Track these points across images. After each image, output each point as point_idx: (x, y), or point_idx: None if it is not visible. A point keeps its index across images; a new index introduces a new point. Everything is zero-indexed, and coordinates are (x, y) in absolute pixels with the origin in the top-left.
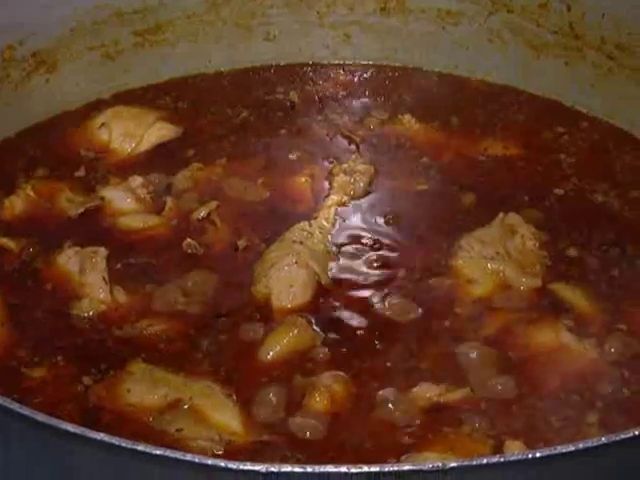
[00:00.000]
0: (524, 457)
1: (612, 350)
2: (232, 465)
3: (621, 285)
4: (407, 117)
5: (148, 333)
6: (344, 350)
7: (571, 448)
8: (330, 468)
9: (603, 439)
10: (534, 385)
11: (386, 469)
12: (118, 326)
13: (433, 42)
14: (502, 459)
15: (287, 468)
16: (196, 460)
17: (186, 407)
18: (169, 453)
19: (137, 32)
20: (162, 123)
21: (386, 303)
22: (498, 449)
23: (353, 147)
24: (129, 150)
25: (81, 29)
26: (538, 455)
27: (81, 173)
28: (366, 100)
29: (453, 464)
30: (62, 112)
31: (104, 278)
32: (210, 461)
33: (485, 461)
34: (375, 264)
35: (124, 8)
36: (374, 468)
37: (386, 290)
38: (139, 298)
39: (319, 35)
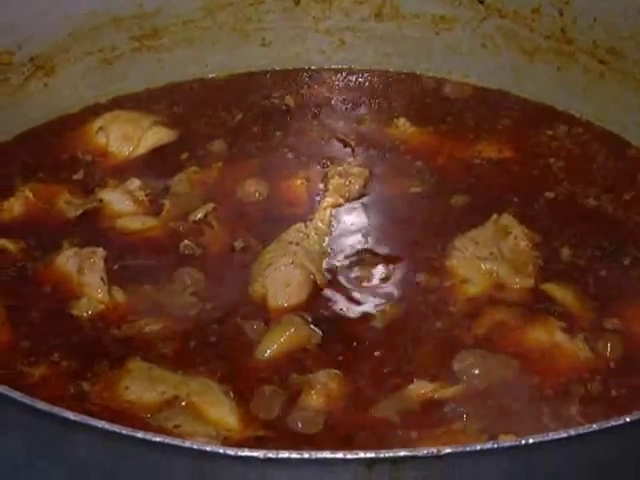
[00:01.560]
0: (517, 444)
1: (604, 349)
2: (230, 451)
3: (612, 285)
4: (402, 121)
5: (146, 332)
6: (340, 348)
7: (563, 435)
8: (327, 454)
9: (595, 426)
10: (527, 383)
11: (382, 455)
12: (116, 325)
13: (427, 47)
14: (496, 445)
15: (285, 454)
16: (195, 447)
17: (184, 404)
18: (169, 440)
19: (134, 37)
20: (159, 127)
21: (381, 302)
22: None
23: (348, 150)
24: (127, 153)
25: (79, 34)
26: (531, 441)
27: (79, 176)
28: (361, 104)
29: (448, 450)
30: (60, 116)
31: (102, 278)
32: (209, 448)
33: (479, 447)
34: (370, 264)
35: (121, 13)
36: (370, 454)
37: (380, 289)
38: (137, 298)
39: (314, 40)
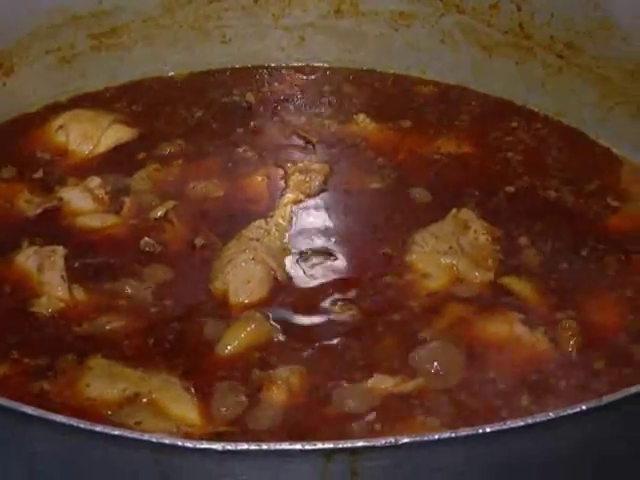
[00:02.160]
0: (475, 432)
1: (563, 341)
2: (189, 444)
3: (571, 277)
4: (362, 117)
5: (107, 330)
6: (301, 344)
7: (520, 423)
8: (285, 445)
9: (551, 414)
10: (487, 376)
11: (340, 446)
12: (77, 323)
13: (386, 43)
14: (453, 435)
15: (243, 446)
16: (154, 440)
17: (145, 401)
18: (127, 433)
19: (93, 35)
20: (119, 125)
21: (342, 297)
22: None
23: (308, 147)
24: (87, 152)
25: (38, 32)
26: (488, 430)
27: (39, 175)
28: (321, 101)
29: (406, 440)
30: (20, 115)
31: (63, 276)
32: (167, 440)
33: (437, 437)
34: (331, 260)
35: (80, 12)
36: (328, 445)
37: (341, 285)
38: (98, 296)
39: (274, 37)
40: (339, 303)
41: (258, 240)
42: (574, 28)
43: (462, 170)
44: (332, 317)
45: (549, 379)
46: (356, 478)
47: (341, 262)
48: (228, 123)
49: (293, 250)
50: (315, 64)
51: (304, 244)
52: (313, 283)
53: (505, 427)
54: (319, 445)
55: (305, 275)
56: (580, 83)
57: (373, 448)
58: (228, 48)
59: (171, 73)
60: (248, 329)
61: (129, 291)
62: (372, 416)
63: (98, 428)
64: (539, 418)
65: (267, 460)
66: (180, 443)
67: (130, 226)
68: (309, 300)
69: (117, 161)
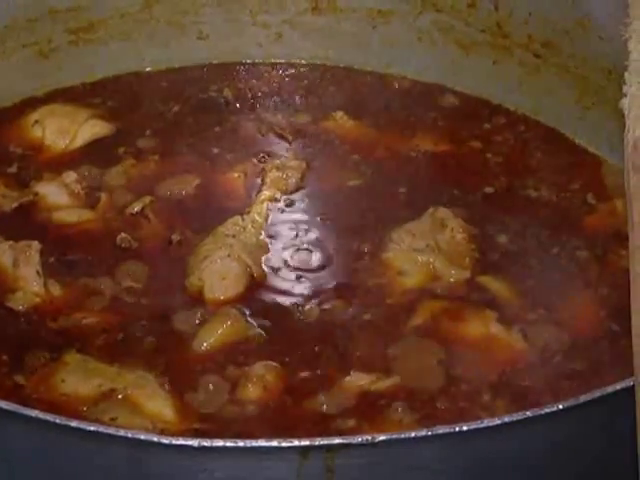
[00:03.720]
0: (452, 430)
1: (539, 340)
2: (165, 440)
3: (549, 277)
4: (339, 114)
5: (82, 325)
6: (277, 341)
7: (497, 422)
8: (262, 442)
9: (528, 413)
10: (463, 374)
11: (316, 443)
12: (52, 318)
13: (364, 41)
14: (430, 433)
15: (219, 443)
16: (129, 435)
17: (120, 397)
18: (102, 429)
19: (70, 30)
20: (95, 120)
21: (318, 295)
22: None
23: (285, 144)
24: (63, 147)
25: (14, 26)
26: (465, 429)
27: (14, 169)
28: (298, 98)
29: (382, 437)
30: None
31: (38, 271)
32: (143, 436)
33: (413, 435)
34: (307, 257)
35: (58, 6)
36: (304, 442)
37: (318, 282)
38: (73, 291)
39: (251, 34)
40: (315, 300)
41: (234, 236)
42: (551, 27)
43: (439, 168)
44: (308, 314)
45: (525, 378)
46: (331, 475)
47: (317, 259)
48: (205, 119)
49: (269, 247)
50: (293, 61)
51: (280, 241)
52: (289, 280)
53: (482, 425)
54: (295, 442)
55: (281, 272)
56: (557, 82)
57: (349, 445)
58: (205, 44)
59: (148, 69)
60: (224, 325)
61: (105, 287)
62: (348, 414)
63: (73, 423)
64: (516, 417)
65: (243, 457)
66: (156, 439)
67: (106, 221)
68: (285, 297)
69: (93, 156)
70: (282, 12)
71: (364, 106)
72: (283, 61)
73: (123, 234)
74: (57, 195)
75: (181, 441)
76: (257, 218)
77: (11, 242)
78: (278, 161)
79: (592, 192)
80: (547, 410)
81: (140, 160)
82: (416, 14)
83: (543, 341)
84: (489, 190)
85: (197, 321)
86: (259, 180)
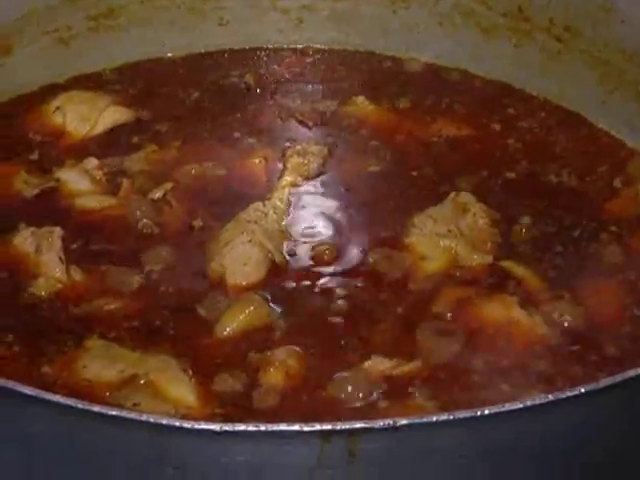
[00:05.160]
0: (473, 414)
1: (561, 324)
2: (187, 424)
3: (570, 261)
4: (360, 99)
5: (104, 311)
6: (298, 326)
7: (519, 405)
8: (283, 426)
9: (550, 397)
10: (485, 358)
11: (338, 427)
12: (74, 304)
13: (384, 26)
14: (451, 417)
15: (241, 427)
16: (151, 420)
17: (142, 382)
18: (125, 414)
19: (91, 16)
20: (116, 107)
21: (339, 280)
22: None
23: (306, 129)
24: (84, 133)
25: (34, 13)
26: (487, 412)
27: (36, 156)
28: (319, 83)
29: (404, 421)
30: (17, 96)
31: (60, 257)
32: (165, 421)
33: (435, 419)
34: (328, 242)
35: None
36: (326, 426)
37: (339, 267)
38: (95, 277)
39: (272, 20)
40: (337, 285)
41: (256, 222)
42: (573, 11)
43: (461, 153)
44: (330, 300)
45: (547, 362)
46: (353, 459)
47: (339, 245)
48: (226, 105)
49: (290, 232)
50: (313, 46)
51: (302, 227)
52: (310, 265)
53: (503, 409)
54: (317, 426)
55: (302, 257)
56: (579, 66)
57: (371, 430)
58: (226, 30)
59: (169, 55)
60: (247, 311)
61: (126, 273)
62: (370, 398)
63: (95, 408)
64: (538, 400)
65: (264, 441)
66: (178, 424)
67: (127, 208)
68: (306, 282)
69: (114, 142)
70: None
71: (385, 91)
72: (303, 46)
73: (145, 220)
74: (78, 181)
75: (203, 425)
76: (278, 204)
77: (33, 228)
78: (299, 146)
79: (616, 175)
80: (568, 394)
81: (161, 146)
82: None
83: (565, 326)
84: (511, 175)
85: (219, 307)
86: (280, 166)
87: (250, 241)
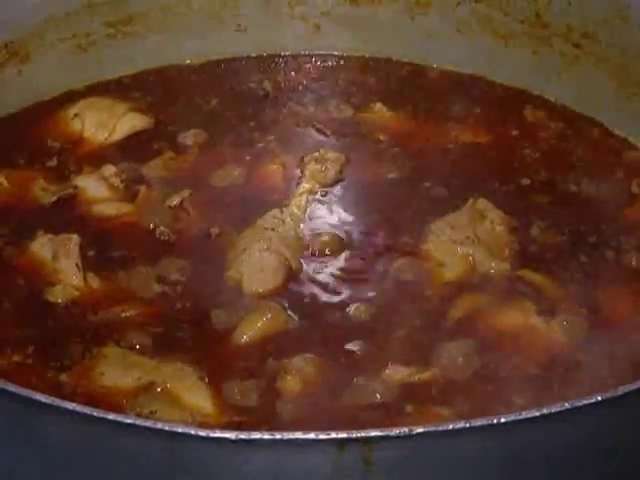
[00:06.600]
0: (489, 423)
1: (579, 331)
2: (202, 433)
3: (589, 270)
4: (378, 105)
5: (122, 318)
6: (316, 333)
7: (535, 413)
8: (299, 435)
9: (566, 404)
10: (502, 365)
11: (354, 435)
12: (92, 311)
13: (402, 32)
14: (468, 425)
15: (257, 435)
16: (167, 428)
17: (159, 390)
18: (140, 422)
19: (109, 23)
20: (134, 113)
21: (357, 287)
22: None
23: (324, 136)
24: (102, 140)
25: (53, 20)
26: (503, 420)
27: (54, 163)
28: (337, 89)
29: (420, 429)
30: (35, 103)
31: (77, 264)
32: (181, 429)
33: (451, 427)
34: (346, 249)
35: None
36: (342, 434)
37: (357, 275)
38: (113, 284)
39: (290, 26)
40: (353, 292)
41: (273, 229)
42: (590, 17)
43: (478, 160)
44: (347, 306)
45: (564, 370)
46: (370, 468)
47: (357, 251)
48: (243, 112)
49: (308, 240)
50: (331, 52)
51: (319, 234)
52: (327, 273)
53: (520, 417)
54: (332, 435)
55: (319, 265)
56: (596, 72)
57: (387, 438)
58: (244, 36)
59: (187, 61)
60: (264, 318)
61: (144, 279)
62: (386, 406)
63: (111, 416)
64: (554, 408)
65: (280, 449)
66: (193, 432)
67: (145, 214)
68: (323, 289)
69: (132, 149)
70: (320, 4)
71: (403, 97)
72: (322, 53)
73: (162, 227)
74: (96, 188)
75: (218, 434)
76: (296, 211)
77: (51, 235)
78: (317, 153)
79: (635, 182)
80: (585, 402)
81: (179, 153)
82: (454, 5)
83: (582, 333)
84: (527, 182)
85: (236, 314)
86: (298, 172)
87: (267, 248)
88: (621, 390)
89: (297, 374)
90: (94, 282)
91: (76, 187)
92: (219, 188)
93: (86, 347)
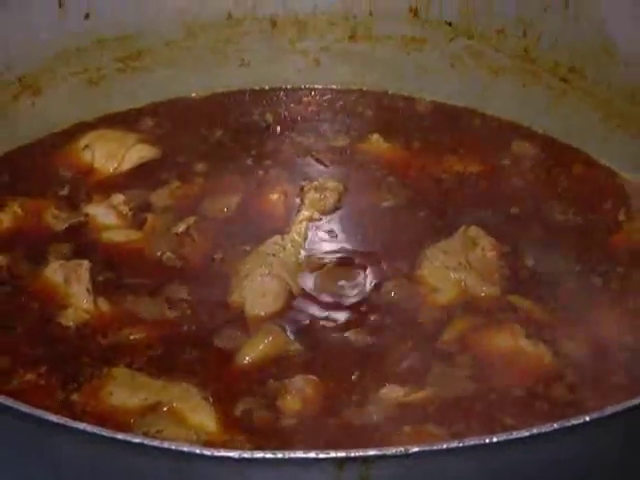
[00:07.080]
0: (482, 442)
1: (567, 355)
2: (207, 452)
3: (576, 296)
4: (375, 136)
5: (130, 341)
6: (315, 355)
7: (526, 434)
8: (299, 454)
9: (555, 425)
10: (494, 387)
11: (352, 454)
12: (102, 334)
13: (398, 67)
14: (462, 444)
15: (259, 454)
16: (173, 447)
17: (165, 409)
18: (148, 441)
19: (118, 58)
20: (142, 145)
21: (354, 311)
22: None
23: (323, 166)
24: (111, 170)
25: (65, 55)
26: (495, 440)
27: (65, 191)
28: (336, 121)
29: (416, 449)
30: (47, 134)
31: (88, 289)
32: (186, 448)
33: (445, 446)
34: (343, 275)
35: (106, 35)
36: (341, 454)
37: (354, 299)
38: (121, 308)
39: (291, 61)
40: (350, 316)
41: (274, 255)
42: (577, 53)
43: (470, 189)
44: (344, 330)
45: (553, 391)
46: None
47: (354, 277)
48: (246, 143)
49: (307, 265)
50: (330, 86)
51: (318, 260)
52: (326, 297)
53: (512, 437)
54: (332, 454)
55: (318, 289)
56: (583, 105)
57: (383, 457)
58: (247, 70)
59: (193, 94)
60: (266, 341)
61: (151, 303)
62: (384, 425)
63: (119, 436)
64: (544, 429)
65: (282, 468)
66: (198, 451)
67: (152, 241)
68: (322, 313)
69: (140, 179)
70: (320, 40)
71: (398, 129)
72: (321, 86)
73: (168, 253)
74: (106, 216)
75: (222, 453)
76: (296, 237)
77: (62, 261)
78: (316, 182)
79: (620, 211)
80: (574, 422)
81: (185, 182)
82: (448, 41)
83: (570, 355)
84: (517, 210)
85: (239, 336)
86: (298, 201)
87: (269, 273)
88: (609, 410)
89: (297, 394)
90: (104, 306)
91: (86, 215)
92: (223, 215)
93: (96, 368)
